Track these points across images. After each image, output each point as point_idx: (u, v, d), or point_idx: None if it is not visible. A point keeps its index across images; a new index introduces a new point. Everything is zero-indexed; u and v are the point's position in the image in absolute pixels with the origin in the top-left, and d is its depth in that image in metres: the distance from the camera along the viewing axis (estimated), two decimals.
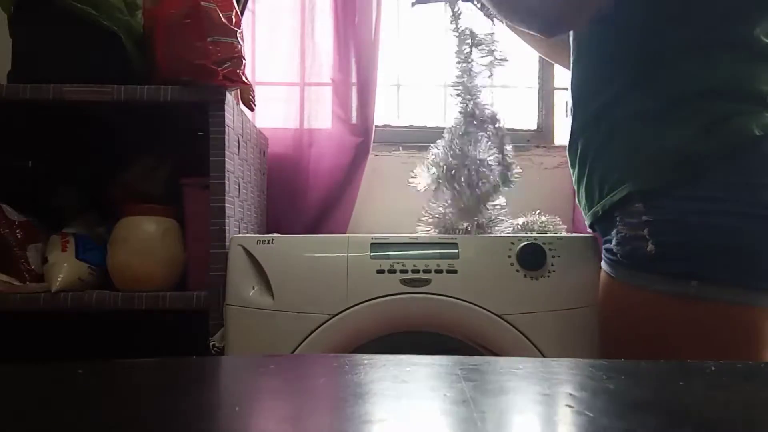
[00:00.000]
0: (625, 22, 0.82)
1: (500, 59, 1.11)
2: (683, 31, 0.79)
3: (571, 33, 0.92)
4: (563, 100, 1.63)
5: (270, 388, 0.38)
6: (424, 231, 1.11)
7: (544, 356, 0.93)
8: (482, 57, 1.12)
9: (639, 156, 0.80)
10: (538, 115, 1.64)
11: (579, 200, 0.91)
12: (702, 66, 0.78)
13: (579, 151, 0.89)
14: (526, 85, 1.66)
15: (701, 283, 0.74)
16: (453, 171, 1.07)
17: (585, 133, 0.88)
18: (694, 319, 0.75)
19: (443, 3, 1.15)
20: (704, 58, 0.78)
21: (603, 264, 0.85)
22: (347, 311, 0.94)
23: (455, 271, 0.96)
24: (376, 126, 1.48)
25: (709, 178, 0.74)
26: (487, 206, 1.08)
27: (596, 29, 0.85)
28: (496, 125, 1.11)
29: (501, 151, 1.10)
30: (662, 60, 0.80)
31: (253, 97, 1.17)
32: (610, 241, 0.83)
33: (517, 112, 1.64)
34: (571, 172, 0.93)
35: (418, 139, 1.52)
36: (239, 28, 1.07)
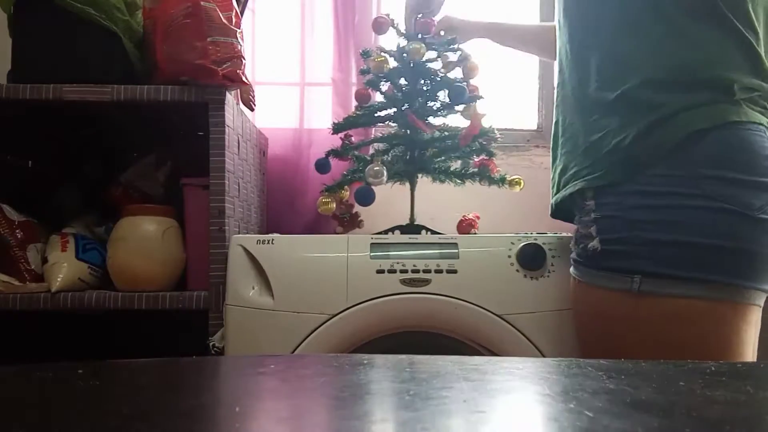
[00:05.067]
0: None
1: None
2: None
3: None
4: None
5: (270, 388, 0.38)
6: None
7: (544, 356, 0.93)
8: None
9: (591, 151, 0.80)
10: (538, 115, 1.64)
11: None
12: (654, 54, 0.77)
13: (552, 139, 0.92)
14: (526, 85, 1.66)
15: (645, 277, 0.73)
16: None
17: (557, 124, 0.90)
18: (640, 315, 0.75)
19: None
20: (657, 43, 0.77)
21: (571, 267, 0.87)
22: (347, 311, 0.94)
23: (455, 271, 0.96)
24: None
25: (651, 173, 0.74)
26: None
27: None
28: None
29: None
30: (611, 53, 0.80)
31: (253, 97, 1.17)
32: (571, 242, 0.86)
33: (517, 112, 1.64)
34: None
35: None
36: (239, 28, 1.07)
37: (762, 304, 0.74)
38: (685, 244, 0.72)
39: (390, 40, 1.20)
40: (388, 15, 1.17)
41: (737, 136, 0.73)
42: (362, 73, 1.17)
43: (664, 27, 0.76)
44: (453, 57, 1.15)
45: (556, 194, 0.88)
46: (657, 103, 0.75)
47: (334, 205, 1.13)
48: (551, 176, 0.92)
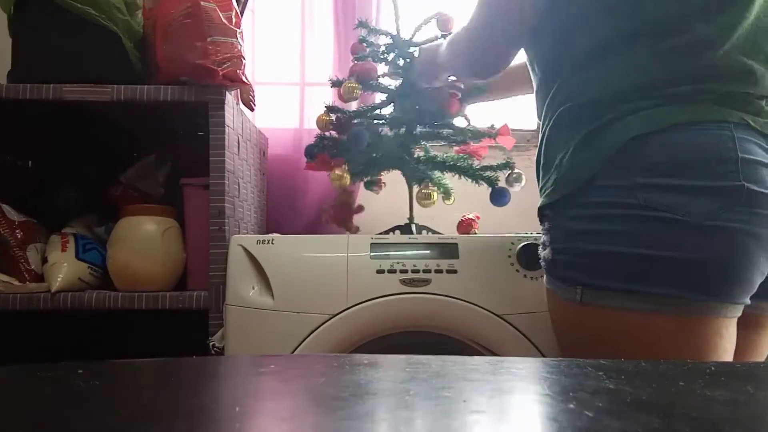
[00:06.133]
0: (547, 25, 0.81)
1: None
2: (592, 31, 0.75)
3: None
4: None
5: (270, 388, 0.38)
6: None
7: (544, 356, 0.93)
8: None
9: (546, 168, 0.81)
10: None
11: None
12: (588, 70, 0.75)
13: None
14: None
15: (585, 288, 0.72)
16: None
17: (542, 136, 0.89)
18: (586, 324, 0.74)
19: None
20: (589, 60, 0.75)
21: None
22: (347, 311, 0.94)
23: (455, 271, 0.96)
24: None
25: (591, 184, 0.72)
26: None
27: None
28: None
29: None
30: (562, 67, 0.79)
31: (253, 97, 1.17)
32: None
33: (517, 112, 1.64)
34: None
35: None
36: (239, 28, 1.07)
37: (729, 315, 0.68)
38: (620, 255, 0.68)
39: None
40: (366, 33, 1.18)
41: (683, 139, 0.68)
42: (361, 41, 1.18)
43: (612, 58, 0.73)
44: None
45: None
46: (598, 115, 0.73)
47: (348, 180, 1.10)
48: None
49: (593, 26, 0.74)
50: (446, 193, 1.13)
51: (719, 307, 0.67)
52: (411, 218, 1.18)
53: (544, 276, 0.83)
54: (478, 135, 1.15)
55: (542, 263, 0.82)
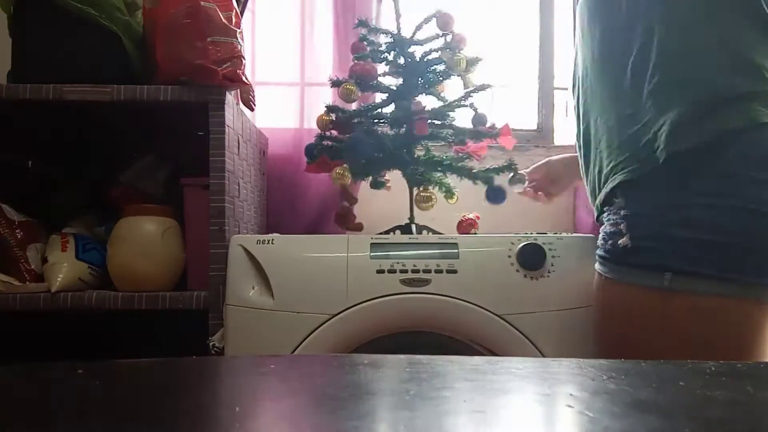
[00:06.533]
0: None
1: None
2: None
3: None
4: (563, 100, 1.63)
5: (270, 388, 0.38)
6: None
7: (544, 356, 0.93)
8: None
9: (623, 148, 0.80)
10: (538, 115, 1.64)
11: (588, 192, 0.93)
12: (691, 50, 0.77)
13: (581, 147, 0.91)
14: (526, 85, 1.66)
15: (675, 275, 0.74)
16: None
17: (591, 125, 0.89)
18: (668, 312, 0.76)
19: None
20: (691, 40, 0.77)
21: (596, 263, 0.87)
22: (347, 311, 0.94)
23: (455, 271, 0.96)
24: None
25: (683, 170, 0.74)
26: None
27: None
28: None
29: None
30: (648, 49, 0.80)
31: (253, 97, 1.17)
32: (599, 238, 0.86)
33: (517, 112, 1.64)
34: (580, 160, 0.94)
35: None
36: (239, 28, 1.07)
37: None
38: (714, 243, 0.72)
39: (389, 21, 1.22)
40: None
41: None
42: (362, 39, 1.18)
43: (714, 27, 0.76)
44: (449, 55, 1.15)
45: (598, 194, 0.87)
46: (695, 79, 0.75)
47: (349, 179, 1.10)
48: (585, 183, 0.92)
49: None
50: (449, 192, 1.13)
51: None
52: (411, 218, 1.18)
53: (607, 266, 0.82)
54: (478, 135, 1.15)
55: (606, 253, 0.82)
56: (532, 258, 0.96)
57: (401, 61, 1.17)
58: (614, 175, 0.81)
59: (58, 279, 1.02)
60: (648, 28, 0.79)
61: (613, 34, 0.85)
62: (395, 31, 1.17)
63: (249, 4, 1.44)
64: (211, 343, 0.98)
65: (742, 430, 0.28)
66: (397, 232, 1.14)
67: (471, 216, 1.19)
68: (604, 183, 0.84)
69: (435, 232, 1.15)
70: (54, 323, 1.27)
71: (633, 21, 0.82)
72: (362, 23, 1.19)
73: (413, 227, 1.16)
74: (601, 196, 0.85)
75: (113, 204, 1.18)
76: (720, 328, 0.74)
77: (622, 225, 0.79)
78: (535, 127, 1.64)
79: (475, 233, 1.17)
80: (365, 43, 1.18)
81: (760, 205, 0.71)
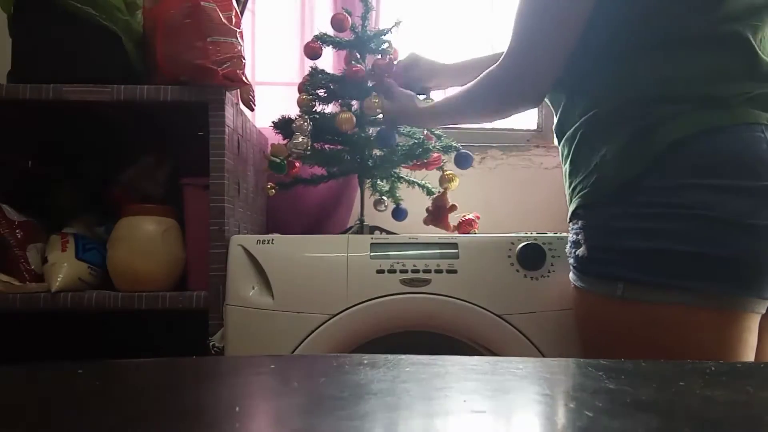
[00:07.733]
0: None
1: None
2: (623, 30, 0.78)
3: None
4: None
5: (270, 388, 0.38)
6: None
7: (544, 356, 0.93)
8: None
9: (579, 171, 0.82)
10: (538, 115, 1.64)
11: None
12: (627, 70, 0.77)
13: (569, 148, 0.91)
14: None
15: (627, 284, 0.74)
16: None
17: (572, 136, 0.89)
18: (624, 320, 0.76)
19: None
20: (627, 61, 0.77)
21: None
22: (347, 311, 0.94)
23: (455, 271, 0.96)
24: None
25: (634, 185, 0.74)
26: None
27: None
28: None
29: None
30: (596, 66, 0.80)
31: (253, 97, 1.17)
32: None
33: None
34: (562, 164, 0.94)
35: None
36: (239, 28, 1.07)
37: (757, 310, 0.72)
38: (663, 251, 0.72)
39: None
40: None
41: (726, 141, 0.72)
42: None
43: (649, 53, 0.76)
44: None
45: (570, 204, 0.88)
46: (639, 116, 0.75)
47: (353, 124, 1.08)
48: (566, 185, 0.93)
49: (639, 26, 0.76)
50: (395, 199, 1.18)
51: (754, 302, 0.72)
52: (362, 219, 1.18)
53: (574, 274, 0.83)
54: (427, 152, 1.15)
55: (573, 262, 0.83)
56: (532, 258, 0.96)
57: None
58: (575, 196, 0.83)
59: (58, 279, 1.02)
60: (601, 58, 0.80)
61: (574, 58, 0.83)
62: (341, 72, 1.15)
63: (249, 4, 1.44)
64: (211, 343, 0.98)
65: (742, 430, 0.28)
66: (379, 232, 1.15)
67: (471, 216, 1.19)
68: (569, 202, 0.86)
69: (390, 233, 1.14)
70: (54, 323, 1.27)
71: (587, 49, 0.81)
72: (320, 38, 1.18)
73: (364, 228, 1.17)
74: (569, 214, 0.86)
75: (113, 204, 1.19)
76: (680, 337, 0.72)
77: (580, 235, 0.81)
78: (534, 126, 1.64)
79: (475, 233, 1.17)
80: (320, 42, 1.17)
81: (709, 211, 0.70)
